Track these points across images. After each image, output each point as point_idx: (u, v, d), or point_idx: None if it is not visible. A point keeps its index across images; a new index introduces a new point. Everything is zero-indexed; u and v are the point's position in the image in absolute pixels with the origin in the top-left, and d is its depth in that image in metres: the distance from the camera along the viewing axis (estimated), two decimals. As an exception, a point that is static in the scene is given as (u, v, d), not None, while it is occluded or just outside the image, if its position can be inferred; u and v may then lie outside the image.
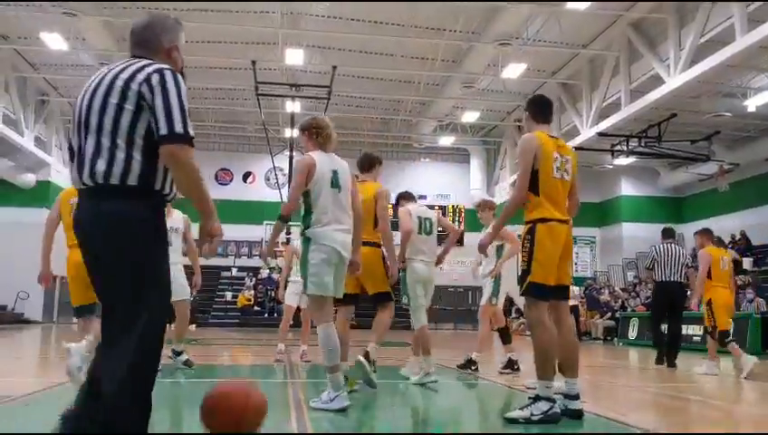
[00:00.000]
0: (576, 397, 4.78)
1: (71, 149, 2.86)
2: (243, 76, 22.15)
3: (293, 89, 21.81)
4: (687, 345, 14.66)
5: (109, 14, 18.49)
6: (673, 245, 10.70)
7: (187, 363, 7.70)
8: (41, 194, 25.01)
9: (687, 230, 26.64)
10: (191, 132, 2.72)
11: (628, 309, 20.15)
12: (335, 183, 5.14)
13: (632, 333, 18.36)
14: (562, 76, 22.34)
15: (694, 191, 27.01)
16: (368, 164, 6.69)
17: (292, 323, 9.77)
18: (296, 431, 3.94)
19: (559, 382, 5.06)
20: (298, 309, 9.33)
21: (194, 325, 23.25)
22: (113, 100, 2.69)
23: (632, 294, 21.27)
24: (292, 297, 9.31)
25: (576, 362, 4.88)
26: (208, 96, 26.10)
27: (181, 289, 7.43)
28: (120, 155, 2.65)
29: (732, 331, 9.37)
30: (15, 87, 22.70)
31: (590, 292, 22.77)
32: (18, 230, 21.06)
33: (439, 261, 7.38)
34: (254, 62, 20.15)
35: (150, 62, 2.80)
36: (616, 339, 19.35)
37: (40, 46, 20.06)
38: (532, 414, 4.58)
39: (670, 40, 16.75)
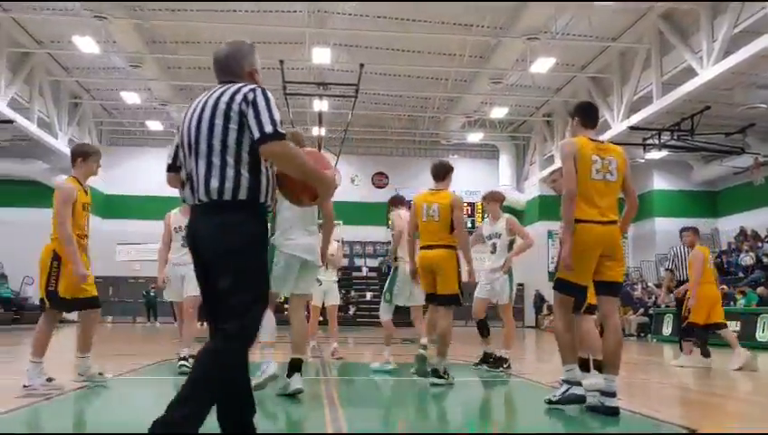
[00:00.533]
0: (612, 394, 4.80)
1: (170, 165, 3.27)
2: (270, 76, 22.22)
3: (321, 88, 21.87)
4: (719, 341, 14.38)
5: (138, 16, 18.73)
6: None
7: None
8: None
9: (722, 225, 26.26)
10: (281, 130, 2.98)
11: (662, 305, 19.85)
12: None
13: (666, 330, 18.09)
14: (592, 70, 22.09)
15: (728, 185, 26.50)
16: (443, 172, 7.06)
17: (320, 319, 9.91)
18: (331, 431, 3.94)
19: (596, 379, 5.06)
20: (324, 308, 9.49)
21: (200, 323, 23.51)
22: (219, 121, 3.02)
23: (673, 282, 20.92)
24: (316, 297, 9.45)
25: (616, 359, 4.93)
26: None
27: (192, 287, 7.40)
28: (230, 172, 2.98)
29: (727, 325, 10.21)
30: (50, 91, 23.12)
31: (623, 288, 22.50)
32: (53, 231, 21.48)
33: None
34: (281, 62, 20.23)
35: (242, 84, 3.13)
36: (650, 335, 19.09)
37: (72, 50, 20.38)
38: (553, 395, 5.07)
39: (703, 31, 16.46)
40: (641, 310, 20.30)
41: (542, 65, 20.04)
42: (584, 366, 6.32)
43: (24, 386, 5.46)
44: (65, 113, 24.69)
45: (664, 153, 23.14)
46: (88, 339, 6.10)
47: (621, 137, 21.22)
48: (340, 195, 26.83)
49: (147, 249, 28.36)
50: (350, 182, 30.15)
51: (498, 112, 25.73)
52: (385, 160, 30.79)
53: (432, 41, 20.44)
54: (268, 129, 2.95)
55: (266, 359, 5.55)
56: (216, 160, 3.01)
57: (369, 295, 28.42)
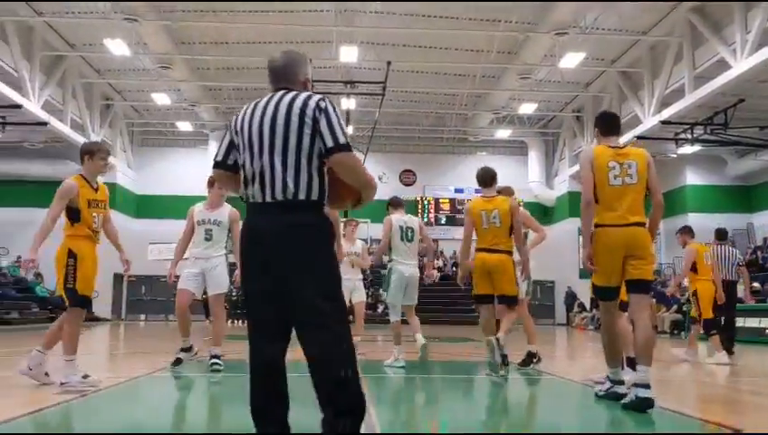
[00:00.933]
0: (646, 386, 4.82)
1: (220, 161, 3.43)
2: (299, 75, 22.35)
3: (348, 86, 21.90)
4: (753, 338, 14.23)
5: (167, 17, 18.94)
6: (726, 246, 11.46)
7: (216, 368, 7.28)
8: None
9: (757, 220, 25.75)
10: (349, 142, 3.23)
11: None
12: None
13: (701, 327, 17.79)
14: (622, 64, 21.81)
15: (763, 179, 25.96)
16: (489, 178, 7.38)
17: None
18: (363, 431, 3.93)
19: (629, 376, 5.06)
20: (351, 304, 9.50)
21: (230, 321, 23.64)
22: (295, 126, 3.19)
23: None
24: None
25: (647, 351, 5.02)
26: (265, 96, 26.41)
27: (224, 282, 7.47)
28: (305, 174, 3.16)
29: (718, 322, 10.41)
30: (82, 93, 23.50)
31: (656, 285, 22.15)
32: (87, 231, 21.76)
33: (427, 271, 8.66)
34: (309, 61, 20.29)
35: (308, 93, 3.32)
36: (683, 333, 18.80)
37: (104, 52, 20.68)
38: (598, 391, 5.46)
39: (736, 23, 16.14)
40: (674, 307, 19.99)
41: (572, 60, 19.83)
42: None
43: (62, 383, 5.58)
44: (97, 115, 25.06)
45: (697, 148, 22.76)
46: (75, 340, 5.89)
47: (653, 132, 20.93)
48: (368, 193, 26.70)
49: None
50: (378, 180, 30.04)
51: (527, 108, 25.52)
52: (412, 158, 30.74)
53: (459, 37, 20.35)
54: (342, 140, 3.16)
55: None
56: (292, 162, 3.16)
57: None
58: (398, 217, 8.22)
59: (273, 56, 3.55)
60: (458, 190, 30.37)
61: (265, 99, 3.36)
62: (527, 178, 29.70)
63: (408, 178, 30.76)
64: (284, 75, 3.48)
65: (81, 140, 23.37)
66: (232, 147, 3.40)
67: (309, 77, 3.55)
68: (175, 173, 27.48)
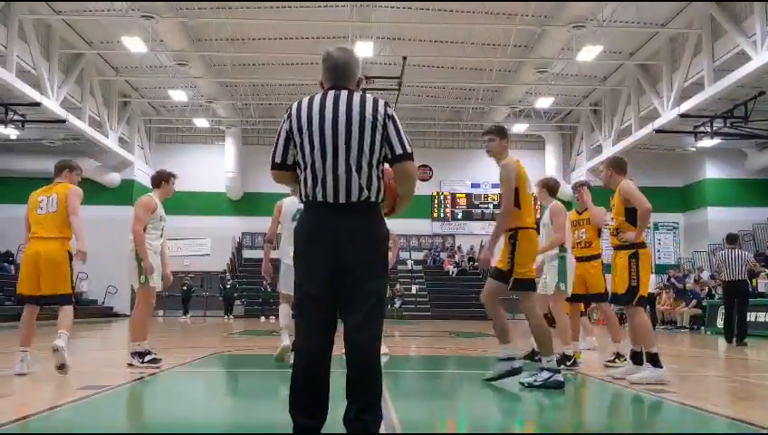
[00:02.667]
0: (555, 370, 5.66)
1: (281, 163, 3.35)
2: (315, 71, 22.32)
3: (365, 81, 21.86)
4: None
5: (184, 14, 19.02)
6: (735, 250, 12.52)
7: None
8: (125, 192, 26.04)
9: (779, 214, 25.43)
10: (411, 151, 3.30)
11: (716, 297, 19.35)
12: (295, 217, 7.34)
13: (720, 322, 17.64)
14: (640, 57, 21.61)
15: (784, 172, 25.72)
16: (556, 188, 7.60)
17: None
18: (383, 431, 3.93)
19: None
20: None
21: (263, 318, 23.75)
22: (368, 131, 3.21)
23: (719, 281, 20.40)
24: None
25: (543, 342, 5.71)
26: (281, 92, 26.50)
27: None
28: (374, 177, 3.23)
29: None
30: (100, 90, 23.67)
31: (674, 280, 21.96)
32: (105, 228, 21.89)
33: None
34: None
35: (373, 97, 3.34)
36: (703, 328, 18.64)
37: (121, 50, 20.82)
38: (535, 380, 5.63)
39: (756, 14, 15.93)
40: (693, 301, 19.81)
41: (589, 53, 19.67)
42: (636, 359, 6.22)
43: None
44: (115, 112, 25.24)
45: (716, 141, 22.53)
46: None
47: (672, 125, 20.75)
48: (384, 188, 26.63)
49: (196, 244, 28.92)
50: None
51: (544, 102, 25.38)
52: (429, 153, 30.64)
53: (475, 31, 20.25)
54: (408, 148, 3.26)
55: (282, 336, 7.16)
56: (365, 165, 3.21)
57: (414, 289, 28.40)
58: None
59: (330, 52, 3.46)
60: (475, 185, 30.28)
61: (329, 97, 3.30)
62: (544, 173, 29.50)
63: (424, 173, 30.66)
64: (344, 74, 3.41)
65: (98, 137, 23.57)
66: (289, 145, 3.32)
67: (361, 77, 3.54)
68: (192, 169, 27.56)
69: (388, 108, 3.29)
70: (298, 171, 3.31)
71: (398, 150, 3.23)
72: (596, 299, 7.77)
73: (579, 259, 7.62)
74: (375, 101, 3.28)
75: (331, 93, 3.31)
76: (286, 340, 6.99)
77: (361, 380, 3.14)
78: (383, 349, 8.52)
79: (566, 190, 29.67)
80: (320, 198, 3.21)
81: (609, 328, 7.92)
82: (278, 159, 3.34)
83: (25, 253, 6.44)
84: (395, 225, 9.05)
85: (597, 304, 7.84)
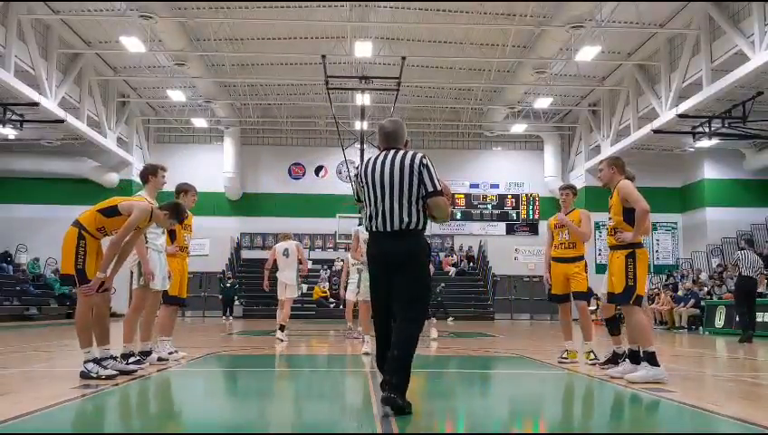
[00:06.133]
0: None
1: (359, 200, 4.74)
2: (313, 71, 22.37)
3: (363, 81, 21.86)
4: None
5: (182, 14, 19.01)
6: (752, 252, 14.06)
7: None
8: (124, 192, 25.98)
9: (777, 214, 25.44)
10: (440, 188, 4.50)
11: (714, 297, 19.36)
12: (286, 253, 11.89)
13: (719, 322, 17.65)
14: (639, 57, 21.63)
15: (783, 173, 25.73)
16: (574, 192, 8.07)
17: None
18: (380, 431, 3.92)
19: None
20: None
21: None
22: (407, 176, 4.47)
23: (717, 281, 20.41)
24: (350, 294, 12.19)
25: None
26: (281, 92, 26.49)
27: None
28: (413, 210, 4.45)
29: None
30: (98, 90, 23.65)
31: (675, 281, 21.96)
32: (104, 228, 21.88)
33: None
34: (323, 57, 20.29)
35: (413, 151, 4.62)
36: (701, 328, 18.65)
37: (119, 50, 20.80)
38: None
39: (754, 14, 15.94)
40: (692, 301, 19.80)
41: (587, 54, 19.67)
42: (634, 358, 6.21)
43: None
44: (113, 112, 25.22)
45: (714, 141, 22.55)
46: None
47: (670, 125, 20.76)
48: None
49: (194, 244, 28.87)
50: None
51: (542, 103, 25.37)
52: (427, 153, 29.57)
53: (474, 31, 20.26)
54: (437, 187, 4.47)
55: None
56: (405, 202, 4.44)
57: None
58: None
59: (384, 124, 4.80)
60: (473, 186, 30.26)
61: (382, 156, 4.61)
62: (543, 173, 29.53)
63: (422, 173, 30.68)
64: (394, 138, 4.74)
65: (97, 137, 23.54)
66: (359, 186, 4.69)
67: (407, 139, 4.82)
68: (190, 169, 27.46)
69: (423, 159, 4.52)
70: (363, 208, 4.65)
71: (429, 189, 4.45)
72: (577, 297, 7.78)
73: (562, 260, 7.71)
74: (413, 155, 4.53)
75: (385, 153, 4.63)
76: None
77: (398, 365, 4.26)
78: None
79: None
80: (375, 228, 4.50)
81: (583, 328, 7.90)
82: (356, 198, 4.81)
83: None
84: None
85: (576, 301, 7.81)
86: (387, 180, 4.48)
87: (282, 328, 11.32)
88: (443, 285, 24.90)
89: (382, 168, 4.54)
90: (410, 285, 4.41)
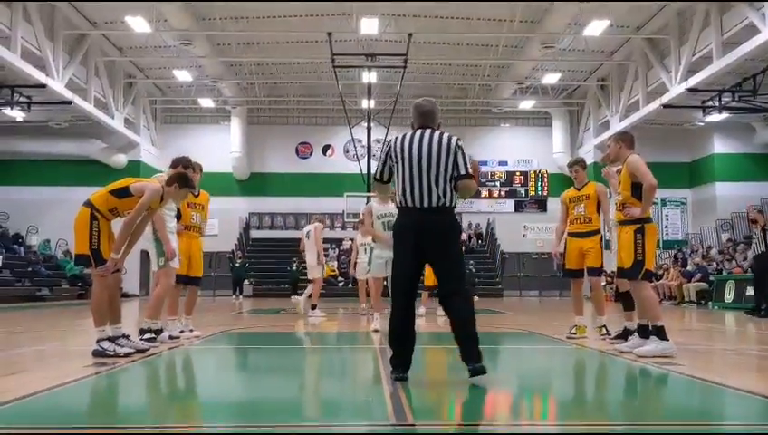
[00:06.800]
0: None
1: (381, 179, 4.88)
2: (319, 49, 22.26)
3: (369, 59, 21.74)
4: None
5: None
6: None
7: None
8: (132, 173, 26.01)
9: (787, 188, 25.25)
10: (471, 172, 4.69)
11: (724, 272, 19.32)
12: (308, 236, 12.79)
13: (728, 297, 17.63)
14: (648, 31, 21.39)
15: (794, 147, 25.51)
16: (583, 166, 7.99)
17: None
18: (390, 405, 3.94)
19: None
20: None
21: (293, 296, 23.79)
22: (443, 158, 4.63)
23: (727, 256, 20.36)
24: (361, 273, 12.56)
25: None
26: (287, 71, 26.40)
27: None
28: (447, 188, 4.62)
29: None
30: (105, 71, 23.63)
31: (683, 255, 21.92)
32: (113, 209, 22.00)
33: None
34: (329, 34, 20.19)
35: (448, 133, 4.77)
36: (710, 303, 18.63)
37: (125, 30, 20.75)
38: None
39: (766, -15, 15.74)
40: (698, 275, 19.76)
41: (596, 28, 19.49)
42: (643, 332, 6.22)
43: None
44: (120, 93, 25.21)
45: (724, 115, 22.36)
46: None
47: (679, 99, 20.59)
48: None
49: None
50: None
51: (550, 78, 25.20)
52: (435, 131, 30.54)
53: (481, 6, 20.06)
54: (469, 170, 4.66)
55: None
56: (441, 180, 4.61)
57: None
58: (378, 207, 8.94)
59: (419, 102, 4.91)
60: (482, 163, 30.11)
61: (418, 134, 4.73)
62: (551, 150, 29.40)
63: (430, 151, 30.61)
64: (431, 118, 4.85)
65: (104, 118, 23.55)
66: (386, 166, 4.79)
67: (440, 120, 4.95)
68: (198, 150, 27.42)
69: (459, 141, 4.71)
70: (396, 185, 4.73)
71: (462, 171, 4.64)
72: (591, 273, 7.77)
73: (578, 235, 7.68)
74: (449, 137, 4.71)
75: (421, 131, 4.75)
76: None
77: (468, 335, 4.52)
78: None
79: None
80: (409, 204, 4.62)
81: (595, 303, 7.93)
82: (378, 176, 4.88)
83: None
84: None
85: (590, 277, 7.81)
86: (425, 158, 4.62)
87: (313, 307, 12.38)
88: (472, 262, 25.00)
89: (420, 145, 4.67)
90: (456, 260, 4.62)
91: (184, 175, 6.30)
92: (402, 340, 4.61)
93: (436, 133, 4.73)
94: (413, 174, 4.62)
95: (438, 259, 4.60)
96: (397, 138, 4.79)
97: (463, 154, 4.69)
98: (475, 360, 4.38)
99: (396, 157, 4.72)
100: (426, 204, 4.59)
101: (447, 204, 4.62)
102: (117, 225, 5.85)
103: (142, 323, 6.72)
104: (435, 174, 4.60)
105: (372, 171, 25.89)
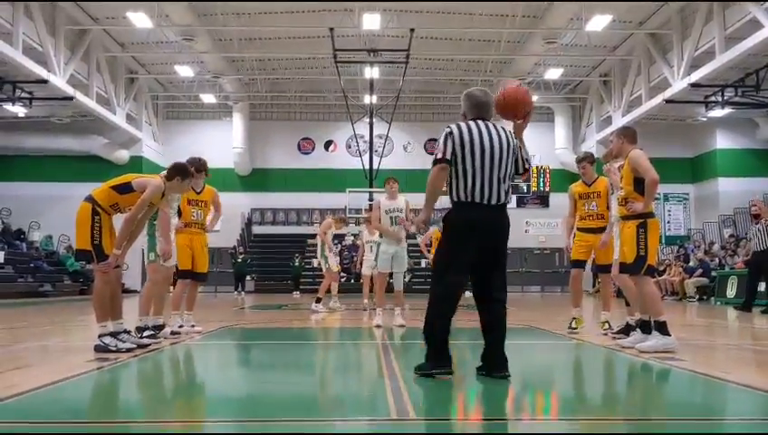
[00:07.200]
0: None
1: (447, 160, 4.49)
2: (321, 44, 22.23)
3: (371, 54, 21.72)
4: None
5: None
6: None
7: None
8: (134, 169, 26.01)
9: (790, 183, 25.21)
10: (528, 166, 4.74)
11: (726, 267, 19.30)
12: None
13: (731, 292, 17.61)
14: (651, 26, 21.34)
15: (796, 142, 25.45)
16: (591, 161, 7.92)
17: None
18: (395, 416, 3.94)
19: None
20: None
21: (296, 292, 23.84)
22: (510, 153, 4.55)
23: (729, 252, 20.34)
24: (367, 268, 12.87)
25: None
26: (289, 67, 26.38)
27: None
28: (509, 186, 4.56)
29: None
30: (107, 67, 23.61)
31: (687, 251, 21.90)
32: (115, 204, 22.01)
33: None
34: (331, 30, 20.16)
35: (507, 128, 4.67)
36: (713, 298, 18.62)
37: (127, 26, 20.73)
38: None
39: (769, -20, 15.69)
40: (699, 271, 19.74)
41: (598, 23, 19.44)
42: (645, 327, 6.23)
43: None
44: (122, 89, 25.20)
45: (727, 111, 22.32)
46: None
47: (682, 95, 20.54)
48: (393, 162, 26.68)
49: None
50: (403, 150, 30.06)
51: (553, 74, 25.15)
52: (437, 127, 30.32)
53: (483, 2, 20.02)
54: (528, 166, 4.71)
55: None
56: (506, 178, 4.51)
57: (424, 263, 28.41)
58: (385, 202, 8.97)
59: (473, 93, 4.69)
60: (483, 158, 30.13)
61: (483, 127, 4.53)
62: (554, 145, 29.34)
63: (433, 147, 30.54)
64: (487, 109, 4.65)
65: (106, 113, 23.55)
66: (453, 150, 4.48)
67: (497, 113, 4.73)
68: (200, 145, 27.50)
69: (514, 137, 4.63)
70: (454, 177, 4.49)
71: (527, 166, 4.71)
72: (601, 270, 7.80)
73: (590, 231, 7.70)
74: (508, 132, 4.60)
75: (481, 123, 4.56)
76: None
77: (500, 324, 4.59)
78: (399, 320, 8.58)
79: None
80: (474, 198, 4.43)
81: (604, 298, 8.02)
82: (447, 156, 4.47)
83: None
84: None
85: (602, 274, 7.85)
86: (495, 153, 4.48)
87: (318, 300, 12.74)
88: None
89: (489, 138, 4.50)
90: (505, 265, 4.58)
91: (183, 167, 6.30)
92: (448, 329, 4.50)
93: (498, 127, 4.58)
94: (483, 168, 4.44)
95: (493, 260, 4.50)
96: (459, 127, 4.52)
97: (523, 149, 4.67)
98: (503, 370, 4.42)
99: (462, 148, 4.46)
100: (494, 200, 4.45)
101: (508, 202, 4.56)
102: (117, 221, 5.86)
103: (137, 322, 6.70)
104: (504, 171, 4.48)
105: (365, 166, 26.05)
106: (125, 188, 5.81)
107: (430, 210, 4.73)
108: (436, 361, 4.42)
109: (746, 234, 15.19)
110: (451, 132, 4.49)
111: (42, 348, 6.68)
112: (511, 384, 4.36)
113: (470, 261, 4.47)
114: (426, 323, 4.53)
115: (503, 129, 4.58)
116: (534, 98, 28.18)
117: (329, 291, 13.41)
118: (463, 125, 4.53)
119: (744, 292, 14.55)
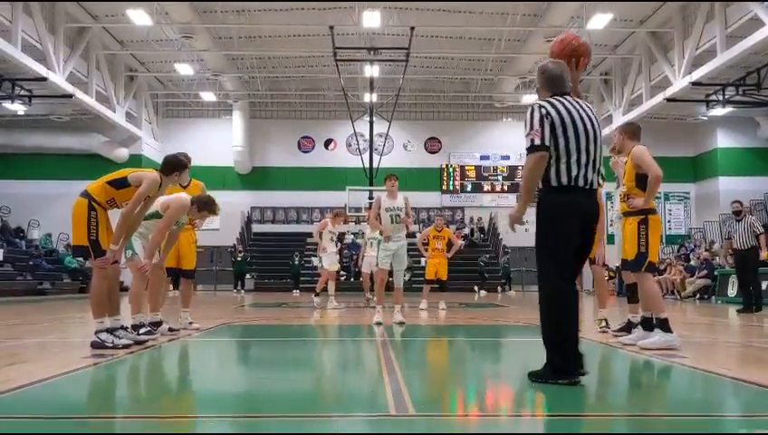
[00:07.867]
0: None
1: (546, 147, 3.96)
2: (321, 42, 22.19)
3: (371, 53, 21.67)
4: None
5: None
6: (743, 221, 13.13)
7: None
8: (134, 167, 25.96)
9: (791, 182, 25.17)
10: None
11: (726, 266, 19.26)
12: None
13: (732, 291, 17.57)
14: (652, 24, 21.29)
15: (797, 141, 25.41)
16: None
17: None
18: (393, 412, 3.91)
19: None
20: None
21: (295, 290, 23.77)
22: (599, 131, 4.11)
23: (730, 251, 20.27)
24: (367, 266, 13.36)
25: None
26: (289, 65, 26.33)
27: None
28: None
29: None
30: (106, 65, 23.57)
31: (687, 250, 21.85)
32: (115, 202, 21.98)
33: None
34: (331, 28, 20.11)
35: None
36: (714, 297, 18.58)
37: (126, 23, 20.69)
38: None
39: (770, -22, 15.64)
40: (704, 271, 19.70)
41: (599, 21, 19.39)
42: (646, 325, 6.19)
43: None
44: (122, 87, 25.17)
45: (728, 109, 22.29)
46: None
47: (683, 93, 20.51)
48: (393, 161, 26.70)
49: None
50: (403, 148, 30.02)
51: (553, 72, 25.07)
52: (437, 125, 30.48)
53: (483, 1, 19.98)
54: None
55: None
56: (599, 159, 4.11)
57: (423, 261, 28.36)
58: (384, 200, 8.92)
59: (547, 66, 4.23)
60: (484, 157, 30.11)
61: (573, 103, 4.08)
62: (553, 144, 29.29)
63: (433, 145, 30.55)
64: (563, 83, 4.16)
65: (106, 112, 23.51)
66: (553, 133, 3.97)
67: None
68: (199, 143, 27.52)
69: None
70: (554, 160, 3.98)
71: (609, 146, 4.25)
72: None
73: None
74: (593, 109, 4.21)
75: (568, 100, 4.07)
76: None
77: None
78: (399, 317, 8.56)
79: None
80: (575, 181, 3.99)
81: (598, 295, 8.03)
82: (546, 143, 3.96)
83: None
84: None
85: (594, 272, 7.84)
86: (590, 132, 4.05)
87: (317, 294, 13.47)
88: (487, 256, 25.29)
89: (581, 117, 4.04)
90: (590, 241, 4.22)
91: (178, 160, 6.28)
92: (576, 321, 4.11)
93: (582, 103, 4.14)
94: (588, 149, 4.01)
95: (583, 250, 4.18)
96: (552, 104, 4.02)
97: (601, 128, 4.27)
98: (578, 367, 4.05)
99: (562, 129, 3.96)
100: (594, 184, 4.07)
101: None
102: (114, 217, 5.82)
103: (130, 320, 6.63)
104: (598, 151, 4.08)
105: (365, 165, 26.01)
106: (121, 183, 5.77)
107: (526, 205, 4.23)
108: (559, 366, 4.09)
109: (728, 232, 15.15)
110: (548, 113, 3.96)
111: (38, 344, 6.65)
112: (512, 382, 4.32)
113: (577, 246, 4.10)
114: (542, 325, 4.21)
115: (588, 106, 4.15)
116: (535, 97, 28.20)
117: (326, 289, 13.35)
118: (557, 103, 4.02)
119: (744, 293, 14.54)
